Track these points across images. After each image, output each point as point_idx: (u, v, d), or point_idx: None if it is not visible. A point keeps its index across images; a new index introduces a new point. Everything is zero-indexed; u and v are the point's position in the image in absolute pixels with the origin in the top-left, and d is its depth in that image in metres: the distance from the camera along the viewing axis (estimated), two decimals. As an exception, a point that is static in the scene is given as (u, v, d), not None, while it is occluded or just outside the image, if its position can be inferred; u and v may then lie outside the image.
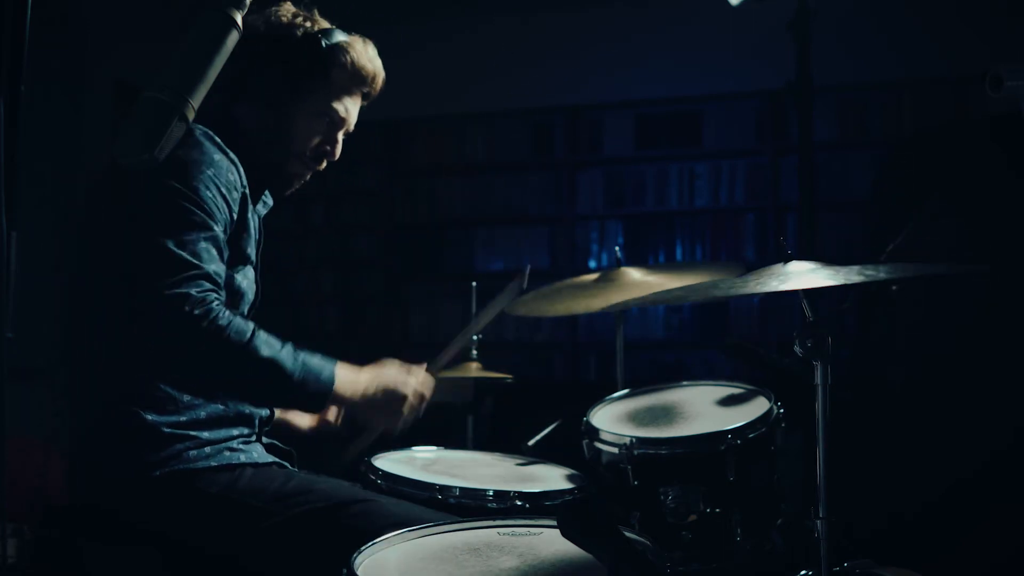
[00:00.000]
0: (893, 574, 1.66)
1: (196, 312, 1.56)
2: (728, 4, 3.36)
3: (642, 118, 5.31)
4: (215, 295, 1.61)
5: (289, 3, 1.85)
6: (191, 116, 1.35)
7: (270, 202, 1.95)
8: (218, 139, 1.71)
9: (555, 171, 5.47)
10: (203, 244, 1.62)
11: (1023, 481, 2.77)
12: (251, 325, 1.63)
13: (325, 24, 1.85)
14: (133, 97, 1.36)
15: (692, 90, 5.14)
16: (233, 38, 1.41)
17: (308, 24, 1.83)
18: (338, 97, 1.85)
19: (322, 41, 1.80)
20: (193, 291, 1.58)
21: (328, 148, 1.89)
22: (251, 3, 1.42)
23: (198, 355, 1.61)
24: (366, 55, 1.86)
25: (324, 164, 1.93)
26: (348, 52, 1.83)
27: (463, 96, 5.39)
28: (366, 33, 1.92)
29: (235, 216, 1.71)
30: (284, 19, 1.81)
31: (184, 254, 1.59)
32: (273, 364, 1.62)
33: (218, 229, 1.66)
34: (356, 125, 1.96)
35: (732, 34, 4.55)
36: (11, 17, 1.06)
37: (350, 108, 1.88)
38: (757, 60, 4.55)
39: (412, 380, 1.82)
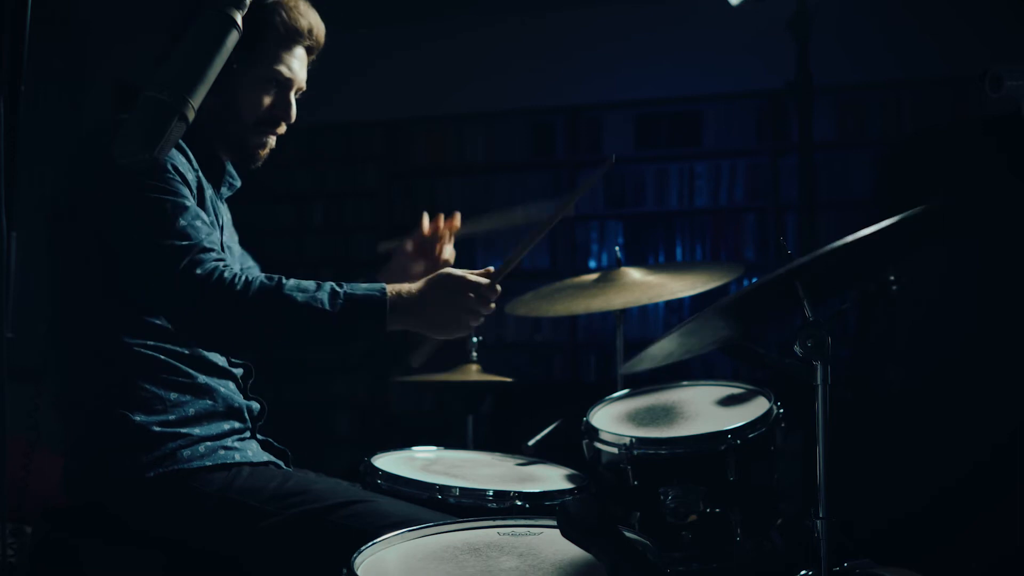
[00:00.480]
0: (893, 574, 1.66)
1: (212, 280, 1.56)
2: (728, 4, 3.36)
3: (642, 118, 5.31)
4: (223, 264, 1.60)
5: None
6: (191, 116, 1.35)
7: (237, 183, 1.93)
8: None
9: (555, 171, 5.47)
10: (184, 221, 1.61)
11: (1022, 480, 2.77)
12: (277, 277, 1.60)
13: None
14: (133, 97, 1.36)
15: (692, 90, 5.14)
16: (233, 38, 1.41)
17: None
18: (278, 59, 1.80)
19: (250, 8, 1.78)
20: (201, 269, 1.57)
21: (281, 111, 1.83)
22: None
23: (228, 325, 1.59)
24: (298, 9, 1.81)
25: (283, 128, 1.88)
26: (277, 13, 1.78)
27: (463, 96, 5.40)
28: (367, 34, 1.90)
29: (194, 198, 1.70)
30: None
31: (174, 241, 1.59)
32: (310, 309, 1.57)
33: (191, 203, 1.65)
34: (356, 125, 1.95)
35: (732, 34, 4.55)
36: (11, 17, 1.06)
37: (294, 67, 1.82)
38: (757, 60, 4.56)
39: (473, 278, 1.69)
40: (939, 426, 3.03)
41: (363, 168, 5.70)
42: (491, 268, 1.73)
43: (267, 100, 1.81)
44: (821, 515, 1.55)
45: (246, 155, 1.86)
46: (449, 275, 1.68)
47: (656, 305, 5.09)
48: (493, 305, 1.71)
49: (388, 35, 5.33)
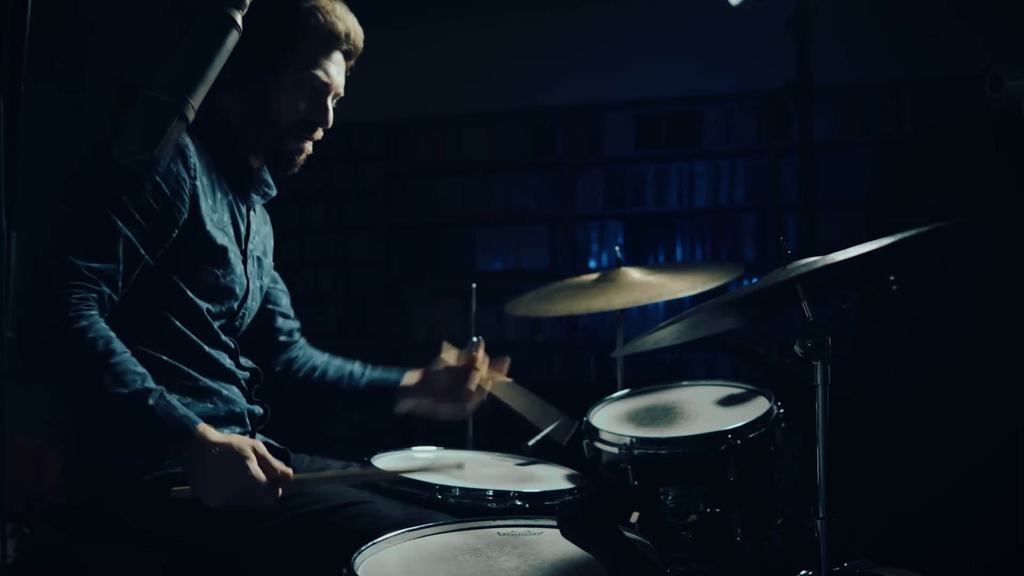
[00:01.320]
0: (893, 574, 1.66)
1: (68, 314, 1.50)
2: (728, 4, 3.36)
3: (642, 118, 5.31)
4: (95, 303, 1.54)
5: None
6: (191, 116, 1.34)
7: (272, 191, 1.93)
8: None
9: (555, 171, 5.47)
10: (104, 238, 1.57)
11: (1022, 480, 2.77)
12: (115, 342, 1.52)
13: None
14: (133, 97, 1.36)
15: (692, 90, 5.14)
16: (233, 38, 1.40)
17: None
18: (315, 63, 1.78)
19: (283, 9, 1.75)
20: (73, 296, 1.52)
21: (318, 116, 1.82)
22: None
23: (47, 357, 1.52)
24: (335, 14, 1.79)
25: (319, 133, 1.86)
26: (314, 16, 1.76)
27: (463, 96, 5.40)
28: (367, 34, 1.89)
29: (182, 208, 1.66)
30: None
31: (73, 258, 1.54)
32: (120, 390, 1.50)
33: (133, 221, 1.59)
34: (356, 125, 1.95)
35: (732, 34, 4.55)
36: (11, 17, 1.06)
37: (332, 72, 1.81)
38: (757, 60, 4.56)
39: (261, 471, 1.55)
40: (939, 426, 3.03)
41: (363, 168, 5.71)
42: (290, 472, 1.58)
43: (303, 105, 1.79)
44: (821, 515, 1.55)
45: (282, 160, 1.84)
46: (248, 452, 1.54)
47: (656, 305, 5.09)
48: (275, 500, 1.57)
49: (388, 35, 5.32)
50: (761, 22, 3.60)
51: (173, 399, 1.54)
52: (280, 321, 2.09)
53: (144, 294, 1.67)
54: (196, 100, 1.34)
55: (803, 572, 1.65)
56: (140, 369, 1.53)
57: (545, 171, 5.50)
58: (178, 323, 1.71)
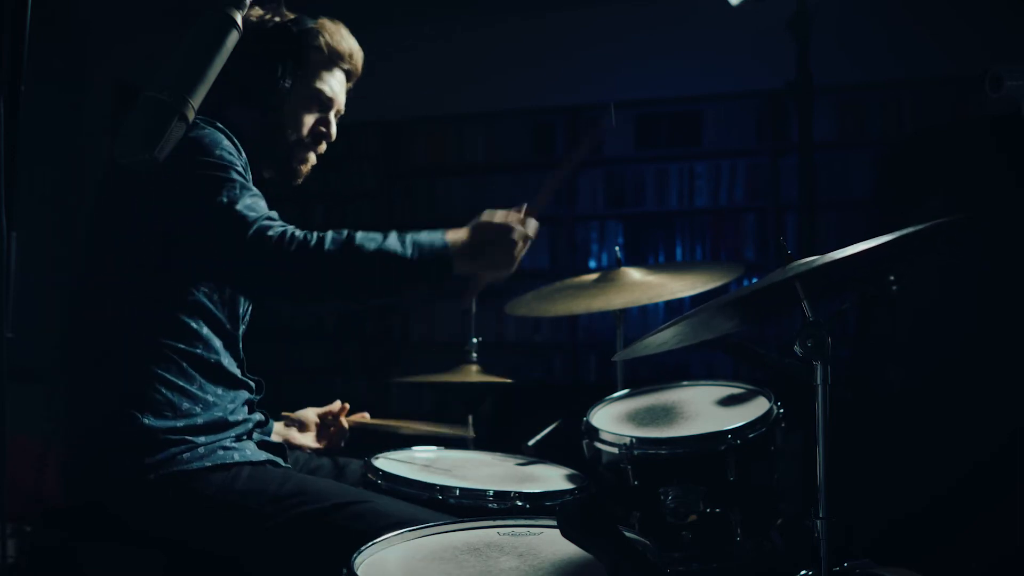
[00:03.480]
0: (893, 574, 1.66)
1: (286, 239, 1.62)
2: (728, 4, 3.36)
3: (642, 118, 5.31)
4: (290, 226, 1.66)
5: (256, 7, 1.87)
6: (191, 116, 1.35)
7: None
8: (215, 123, 1.75)
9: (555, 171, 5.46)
10: (250, 200, 1.67)
11: (1022, 480, 2.77)
12: (345, 231, 1.67)
13: (291, 15, 1.90)
14: (133, 97, 1.36)
15: (692, 90, 5.14)
16: (233, 38, 1.41)
17: (276, 18, 1.87)
18: (320, 78, 1.91)
19: (293, 28, 1.86)
20: (271, 230, 1.63)
21: (323, 129, 1.94)
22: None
23: (306, 279, 1.65)
24: (339, 34, 1.93)
25: (323, 147, 1.98)
26: (321, 34, 1.90)
27: (463, 96, 5.40)
28: (367, 34, 1.95)
29: None
30: (253, 18, 1.85)
31: (244, 211, 1.64)
32: (384, 254, 1.65)
33: (253, 187, 1.72)
34: (355, 125, 1.97)
35: (732, 34, 4.55)
36: (11, 17, 1.06)
37: (335, 88, 1.94)
38: (757, 60, 4.55)
39: (515, 222, 1.80)
40: (939, 426, 3.03)
41: (363, 168, 5.70)
42: (525, 205, 1.85)
43: (311, 119, 1.92)
44: (821, 515, 1.55)
45: (288, 172, 1.94)
46: (492, 219, 1.77)
47: (656, 305, 5.09)
48: (533, 237, 1.82)
49: (388, 35, 5.32)
50: (761, 22, 3.59)
51: (408, 233, 1.70)
52: None
53: (170, 298, 1.71)
54: (196, 100, 1.34)
55: (803, 572, 1.65)
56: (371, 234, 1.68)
57: (545, 171, 5.46)
58: (204, 328, 1.75)
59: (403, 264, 1.66)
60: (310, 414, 2.22)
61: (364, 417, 2.24)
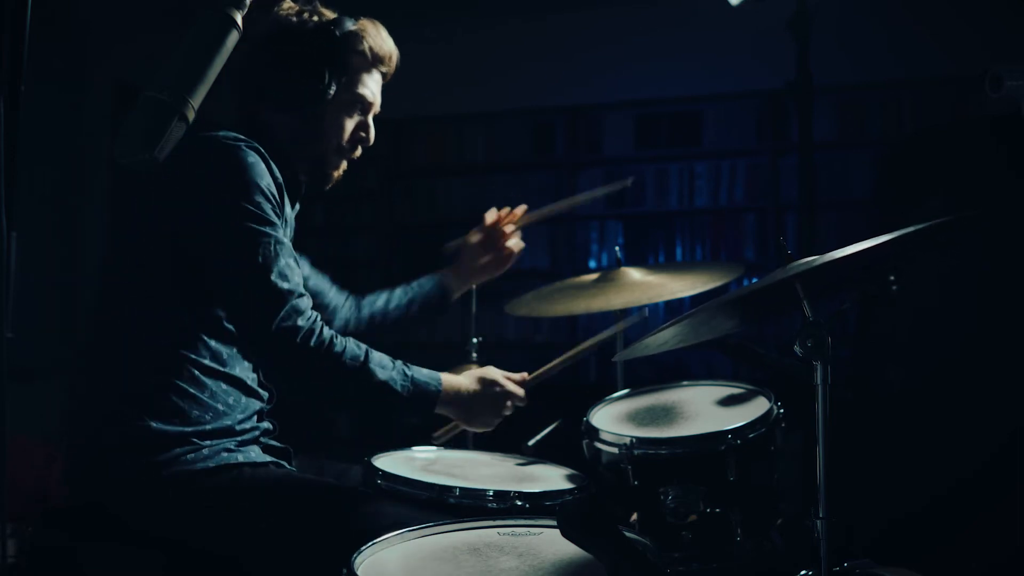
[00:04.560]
0: (893, 574, 1.66)
1: (311, 344, 1.64)
2: (728, 4, 3.36)
3: (642, 118, 5.31)
4: (317, 315, 1.68)
5: (290, 1, 1.82)
6: (191, 116, 1.35)
7: (298, 206, 1.97)
8: (251, 142, 1.71)
9: (555, 171, 5.47)
10: (284, 261, 1.66)
11: (1022, 480, 2.76)
12: (363, 348, 1.71)
13: (331, 14, 1.84)
14: (133, 97, 1.36)
15: (692, 90, 5.14)
16: (233, 38, 1.41)
17: (315, 18, 1.81)
18: (361, 82, 1.87)
19: (335, 31, 1.80)
20: (300, 322, 1.64)
21: (363, 134, 1.92)
22: (250, 5, 1.42)
23: (314, 381, 1.70)
24: (380, 36, 1.88)
25: (359, 151, 1.95)
26: (363, 37, 1.84)
27: (463, 96, 5.40)
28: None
29: (280, 217, 1.74)
30: (291, 17, 1.79)
31: (278, 282, 1.64)
32: (385, 387, 1.71)
33: (285, 238, 1.71)
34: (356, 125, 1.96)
35: (732, 34, 4.55)
36: (11, 17, 1.06)
37: (374, 90, 1.91)
38: (757, 60, 4.55)
39: (511, 387, 1.90)
40: (939, 426, 3.03)
41: (363, 168, 5.69)
42: (526, 375, 1.96)
43: (351, 124, 1.89)
44: (821, 515, 1.55)
45: (323, 176, 1.91)
46: (493, 381, 1.87)
47: (656, 305, 5.09)
48: (522, 405, 1.93)
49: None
50: (761, 22, 3.59)
51: (411, 370, 1.77)
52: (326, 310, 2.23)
53: (185, 309, 1.71)
54: (196, 100, 1.34)
55: (803, 572, 1.65)
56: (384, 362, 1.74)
57: (545, 171, 5.50)
58: (213, 342, 1.74)
59: (397, 399, 1.73)
60: (470, 237, 2.28)
61: (527, 216, 2.29)
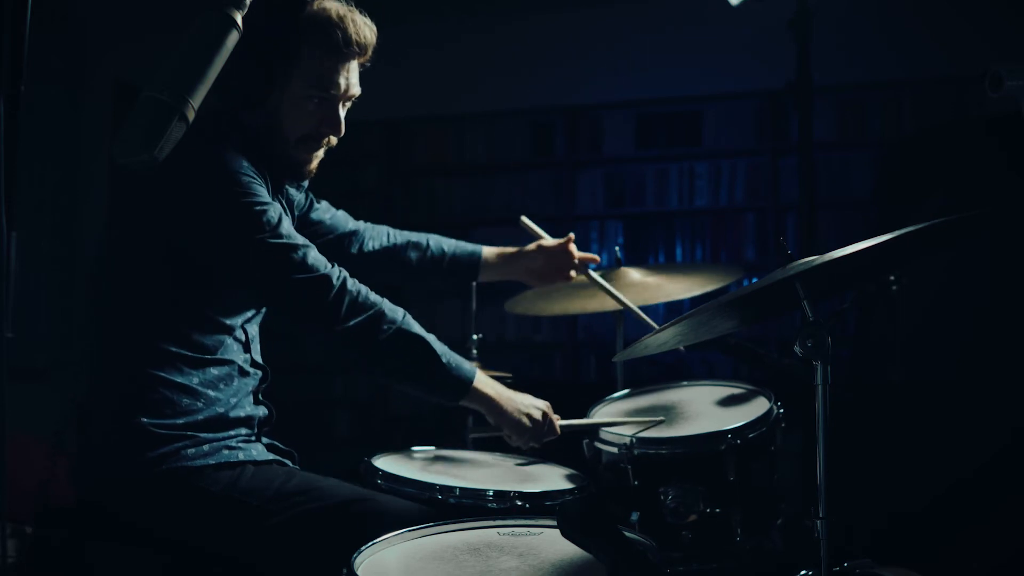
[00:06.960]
0: (893, 574, 1.66)
1: (347, 298, 1.69)
2: (728, 4, 3.36)
3: (642, 118, 5.31)
4: (338, 268, 1.72)
5: None
6: (191, 116, 1.34)
7: (296, 200, 1.98)
8: (225, 143, 1.71)
9: (555, 171, 5.47)
10: (284, 228, 1.69)
11: (1022, 481, 2.76)
12: (400, 309, 1.76)
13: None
14: (133, 97, 1.36)
15: (692, 90, 5.14)
16: (233, 38, 1.40)
17: (265, 10, 1.67)
18: (320, 73, 1.74)
19: (284, 21, 1.71)
20: (333, 276, 1.70)
21: (327, 127, 1.80)
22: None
23: (348, 324, 1.70)
24: (345, 22, 1.74)
25: (333, 141, 1.88)
26: (315, 25, 1.72)
27: (463, 96, 5.39)
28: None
29: None
30: (253, 9, 1.76)
31: (287, 240, 1.67)
32: (424, 342, 1.73)
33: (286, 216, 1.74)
34: (356, 125, 1.93)
35: (732, 34, 4.55)
36: (11, 17, 1.06)
37: (339, 80, 1.77)
38: (757, 60, 4.55)
39: (552, 415, 1.91)
40: (939, 426, 3.03)
41: (363, 168, 5.70)
42: (570, 421, 1.96)
43: (312, 117, 1.78)
44: (821, 515, 1.55)
45: (293, 171, 1.88)
46: (538, 401, 1.90)
47: (656, 305, 5.09)
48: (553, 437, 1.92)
49: (389, 35, 5.32)
50: (761, 22, 3.60)
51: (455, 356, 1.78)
52: (344, 243, 2.32)
53: (170, 301, 1.71)
54: (196, 100, 1.34)
55: (803, 572, 1.65)
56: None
57: (545, 171, 5.50)
58: (200, 319, 1.74)
59: (436, 361, 1.75)
60: (546, 239, 2.33)
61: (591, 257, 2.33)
